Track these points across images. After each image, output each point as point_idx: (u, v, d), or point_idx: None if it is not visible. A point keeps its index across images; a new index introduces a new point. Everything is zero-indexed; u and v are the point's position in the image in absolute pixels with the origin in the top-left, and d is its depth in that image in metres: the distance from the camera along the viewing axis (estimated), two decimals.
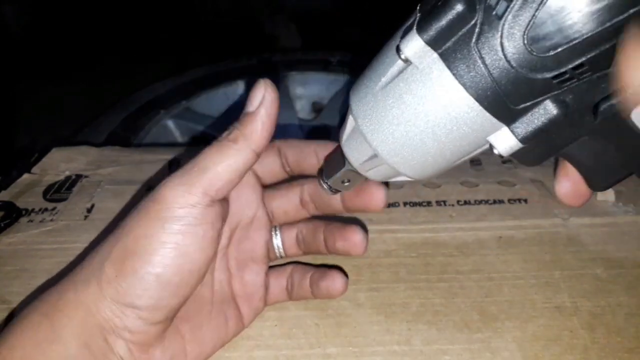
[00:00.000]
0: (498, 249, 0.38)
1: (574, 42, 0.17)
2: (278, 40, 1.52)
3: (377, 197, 0.31)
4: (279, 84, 0.86)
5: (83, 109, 0.95)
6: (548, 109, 0.19)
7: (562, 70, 0.18)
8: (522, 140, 0.20)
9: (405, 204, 0.42)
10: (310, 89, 0.89)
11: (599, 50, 0.17)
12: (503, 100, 0.19)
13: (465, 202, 0.42)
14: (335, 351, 0.31)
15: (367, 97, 0.22)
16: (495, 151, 0.21)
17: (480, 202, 0.42)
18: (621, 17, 0.16)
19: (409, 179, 0.24)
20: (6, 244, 0.39)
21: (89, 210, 0.42)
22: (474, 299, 0.34)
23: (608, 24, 0.16)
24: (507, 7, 0.17)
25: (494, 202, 0.42)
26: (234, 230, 0.31)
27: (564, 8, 0.16)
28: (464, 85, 0.19)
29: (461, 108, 0.20)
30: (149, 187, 0.45)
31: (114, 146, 0.53)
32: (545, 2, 0.17)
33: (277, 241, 0.33)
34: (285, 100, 0.85)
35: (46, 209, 0.42)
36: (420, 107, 0.20)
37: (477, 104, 0.19)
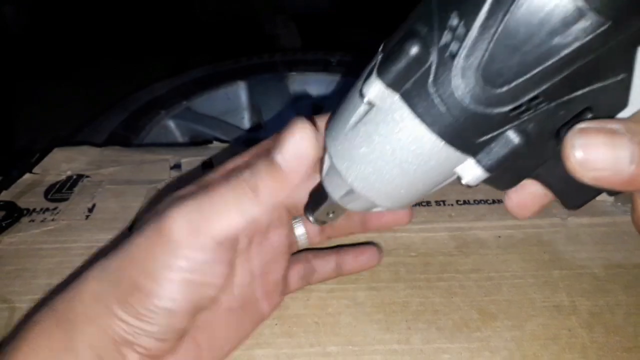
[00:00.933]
0: (497, 248, 0.38)
1: (527, 76, 0.17)
2: (278, 40, 1.52)
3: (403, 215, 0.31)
4: (279, 84, 0.86)
5: (83, 109, 0.95)
6: (510, 139, 0.19)
7: (518, 103, 0.18)
8: (488, 170, 0.20)
9: None
10: (310, 89, 0.90)
11: (552, 82, 0.17)
12: (465, 135, 0.19)
13: (465, 202, 0.42)
14: (335, 350, 0.31)
15: (339, 137, 0.23)
16: (463, 181, 0.21)
17: (479, 201, 0.42)
18: (572, 48, 0.16)
19: (387, 209, 0.25)
20: (7, 243, 0.39)
21: (90, 210, 0.42)
22: (473, 298, 0.34)
23: (560, 56, 0.16)
24: (459, 47, 0.18)
25: (493, 201, 0.43)
26: (254, 233, 0.29)
27: (515, 46, 0.17)
28: (425, 123, 0.20)
29: (425, 145, 0.20)
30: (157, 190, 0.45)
31: (114, 146, 0.53)
32: (496, 40, 0.17)
33: (299, 231, 0.32)
34: (285, 100, 0.85)
35: (47, 209, 0.42)
36: (387, 146, 0.21)
37: (440, 139, 0.20)
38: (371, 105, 0.21)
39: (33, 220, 0.41)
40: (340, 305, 0.33)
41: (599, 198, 0.42)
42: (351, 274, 0.34)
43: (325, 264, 0.33)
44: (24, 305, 0.33)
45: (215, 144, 0.52)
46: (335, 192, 0.25)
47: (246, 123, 0.88)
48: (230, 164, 0.28)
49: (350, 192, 0.24)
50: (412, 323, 0.32)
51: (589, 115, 0.19)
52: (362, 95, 0.21)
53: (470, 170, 0.21)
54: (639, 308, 0.33)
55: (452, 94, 0.19)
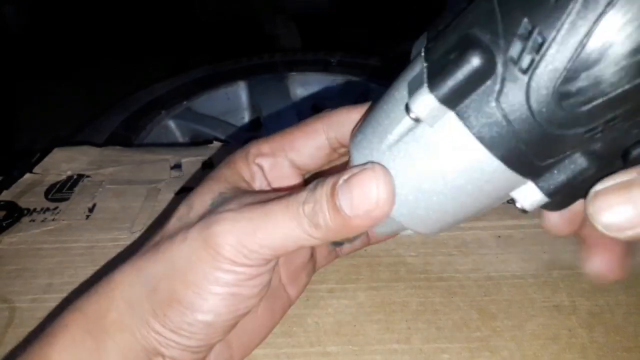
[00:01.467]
0: (497, 248, 0.38)
1: (609, 96, 0.15)
2: (278, 40, 1.52)
3: None
4: (279, 84, 0.86)
5: (83, 109, 0.95)
6: (578, 162, 0.17)
7: (595, 124, 0.16)
8: (549, 195, 0.19)
9: None
10: (310, 89, 0.90)
11: (635, 102, 0.16)
12: (529, 158, 0.17)
13: None
14: (335, 350, 0.31)
15: (373, 154, 0.21)
16: (519, 205, 0.19)
17: None
18: None
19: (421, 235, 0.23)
20: (8, 243, 0.39)
21: (91, 210, 0.42)
22: (473, 298, 0.34)
23: None
24: (533, 60, 0.16)
25: None
26: None
27: (600, 61, 0.15)
28: (486, 145, 0.17)
29: (483, 168, 0.18)
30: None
31: (115, 146, 0.53)
32: (579, 55, 0.15)
33: None
34: (285, 100, 0.85)
35: (48, 209, 0.42)
36: (436, 169, 0.19)
37: (501, 163, 0.18)
38: (418, 121, 0.19)
39: (33, 220, 0.41)
40: (340, 305, 0.33)
41: None
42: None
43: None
44: (24, 305, 0.33)
45: (216, 143, 0.52)
46: None
47: (246, 123, 0.88)
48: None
49: None
50: (412, 323, 0.32)
51: None
52: (408, 110, 0.18)
53: (529, 195, 0.19)
54: (639, 308, 0.33)
55: (521, 114, 0.16)
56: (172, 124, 0.79)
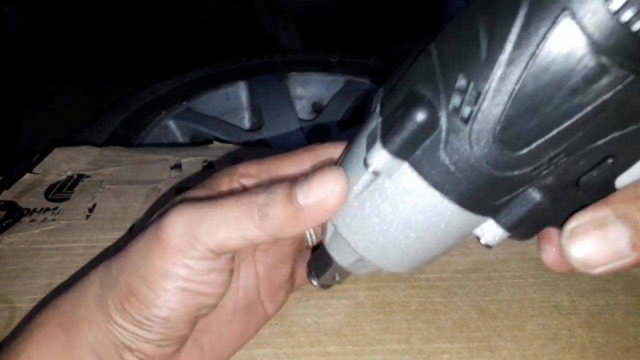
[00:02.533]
0: (497, 248, 0.38)
1: (548, 136, 0.16)
2: (278, 40, 1.52)
3: None
4: (280, 84, 0.86)
5: (84, 109, 0.95)
6: (532, 197, 0.18)
7: (538, 164, 0.17)
8: (509, 229, 0.19)
9: None
10: (310, 89, 0.90)
11: (574, 138, 0.16)
12: (483, 199, 0.18)
13: None
14: (335, 349, 0.31)
15: (343, 205, 0.22)
16: (482, 241, 0.20)
17: None
18: (595, 104, 0.15)
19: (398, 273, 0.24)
20: (8, 243, 0.39)
21: (91, 210, 0.42)
22: (473, 298, 0.34)
23: (583, 113, 0.15)
24: (472, 111, 0.16)
25: None
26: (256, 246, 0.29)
27: (534, 108, 0.15)
28: (440, 191, 0.18)
29: (442, 212, 0.19)
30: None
31: (115, 146, 0.53)
32: (512, 103, 0.16)
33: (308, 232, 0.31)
34: (285, 100, 0.85)
35: (48, 209, 0.42)
36: (399, 215, 0.20)
37: (457, 206, 0.19)
38: (377, 174, 0.20)
39: (33, 220, 0.41)
40: (340, 305, 0.33)
41: None
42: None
43: None
44: (24, 305, 0.33)
45: (216, 144, 0.52)
46: (343, 259, 0.24)
47: (246, 123, 0.88)
48: (245, 175, 0.27)
49: (361, 260, 0.23)
50: (411, 323, 0.32)
51: (610, 161, 0.17)
52: (366, 165, 0.20)
53: (491, 231, 0.20)
54: (639, 308, 0.33)
55: (467, 160, 0.17)
56: (172, 124, 0.79)
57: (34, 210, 0.42)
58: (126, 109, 0.77)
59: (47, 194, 0.44)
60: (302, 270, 0.32)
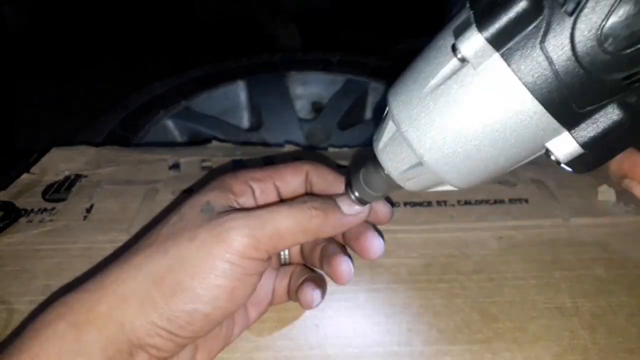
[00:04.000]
0: (499, 249, 0.38)
1: None
2: (278, 40, 1.52)
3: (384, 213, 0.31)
4: (279, 83, 0.86)
5: (82, 109, 0.95)
6: (613, 113, 0.18)
7: (635, 70, 0.17)
8: (583, 146, 0.19)
9: (405, 204, 0.42)
10: (310, 88, 0.89)
11: None
12: (569, 103, 0.18)
13: (466, 202, 0.42)
14: (335, 352, 0.30)
15: (413, 100, 0.21)
16: (553, 157, 0.20)
17: (480, 202, 0.42)
18: None
19: (451, 189, 0.23)
20: (5, 244, 0.38)
21: (88, 211, 0.42)
22: (474, 300, 0.33)
23: None
24: (579, 2, 0.16)
25: (495, 202, 0.42)
26: None
27: None
28: (527, 87, 0.18)
29: (523, 112, 0.19)
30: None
31: (112, 146, 0.53)
32: None
33: (283, 252, 0.34)
34: (285, 100, 0.84)
35: (45, 209, 0.42)
36: (477, 111, 0.19)
37: (541, 107, 0.18)
38: (463, 63, 0.19)
39: (31, 221, 0.41)
40: (340, 307, 0.33)
41: (600, 198, 0.42)
42: None
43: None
44: (22, 306, 0.33)
45: (214, 143, 0.52)
46: (395, 166, 0.23)
47: (245, 123, 0.88)
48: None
49: (418, 165, 0.22)
50: (412, 325, 0.32)
51: None
52: (455, 51, 0.19)
53: (565, 146, 0.19)
54: None
55: (565, 56, 0.17)
56: (170, 123, 0.78)
57: (32, 210, 0.42)
58: (124, 109, 0.76)
59: (44, 194, 0.44)
60: (281, 287, 0.33)
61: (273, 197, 0.30)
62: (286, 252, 0.34)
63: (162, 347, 0.25)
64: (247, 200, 0.29)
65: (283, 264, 0.34)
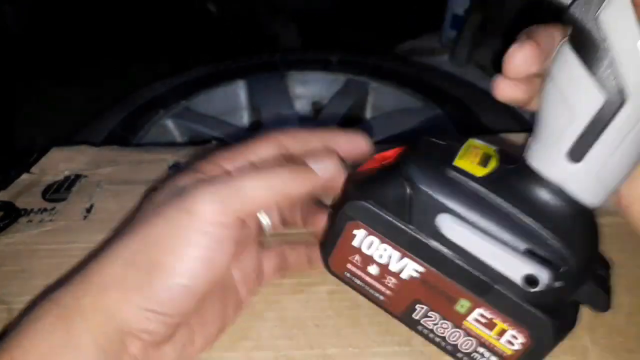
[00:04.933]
0: None
1: None
2: (278, 40, 1.52)
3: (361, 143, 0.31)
4: (279, 83, 0.86)
5: (82, 109, 0.95)
6: None
7: None
8: None
9: None
10: (310, 88, 0.89)
11: None
12: None
13: None
14: (336, 352, 0.30)
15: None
16: None
17: None
18: None
19: None
20: (5, 244, 0.38)
21: (88, 210, 0.42)
22: None
23: None
24: None
25: None
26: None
27: None
28: None
29: None
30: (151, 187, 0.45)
31: (113, 146, 0.53)
32: None
33: (264, 219, 0.32)
34: (285, 99, 0.84)
35: (45, 209, 0.42)
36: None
37: None
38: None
39: (31, 221, 0.41)
40: (340, 307, 0.33)
41: None
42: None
43: (297, 256, 0.34)
44: (21, 306, 0.33)
45: (215, 143, 0.52)
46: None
47: (245, 122, 0.88)
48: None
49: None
50: None
51: None
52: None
53: None
54: None
55: None
56: (170, 123, 0.78)
57: (31, 210, 0.42)
58: (124, 109, 0.76)
59: (44, 194, 0.44)
60: (269, 263, 0.32)
61: None
62: (267, 219, 0.31)
63: (153, 330, 0.25)
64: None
65: (267, 235, 0.32)
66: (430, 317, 0.27)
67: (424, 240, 0.25)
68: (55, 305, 0.25)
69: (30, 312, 0.25)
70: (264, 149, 0.30)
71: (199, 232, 0.24)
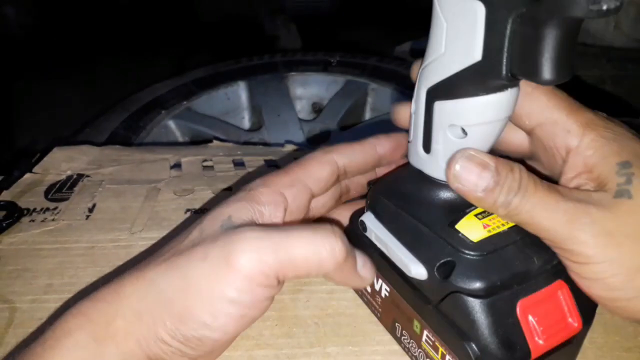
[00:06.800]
0: None
1: None
2: (278, 40, 1.52)
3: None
4: (279, 84, 0.86)
5: (84, 109, 0.95)
6: None
7: None
8: None
9: None
10: (310, 89, 0.90)
11: None
12: None
13: None
14: (335, 350, 0.31)
15: None
16: None
17: None
18: None
19: None
20: (8, 243, 0.39)
21: (91, 210, 0.42)
22: None
23: None
24: None
25: None
26: None
27: None
28: None
29: None
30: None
31: (115, 145, 0.53)
32: None
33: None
34: (285, 100, 0.85)
35: (48, 209, 0.42)
36: None
37: None
38: None
39: (33, 220, 0.41)
40: (340, 306, 0.33)
41: None
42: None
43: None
44: (24, 305, 0.33)
45: (215, 142, 0.52)
46: None
47: (246, 123, 0.88)
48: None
49: None
50: None
51: None
52: None
53: None
54: None
55: None
56: (172, 124, 0.79)
57: (34, 210, 0.42)
58: (126, 109, 0.77)
59: (47, 193, 0.44)
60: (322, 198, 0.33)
61: (305, 199, 0.30)
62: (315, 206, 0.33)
63: None
64: (275, 210, 0.28)
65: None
66: (405, 335, 0.29)
67: (375, 257, 0.29)
68: (87, 321, 0.24)
69: (60, 321, 0.24)
70: (318, 170, 0.30)
71: (237, 291, 0.23)
